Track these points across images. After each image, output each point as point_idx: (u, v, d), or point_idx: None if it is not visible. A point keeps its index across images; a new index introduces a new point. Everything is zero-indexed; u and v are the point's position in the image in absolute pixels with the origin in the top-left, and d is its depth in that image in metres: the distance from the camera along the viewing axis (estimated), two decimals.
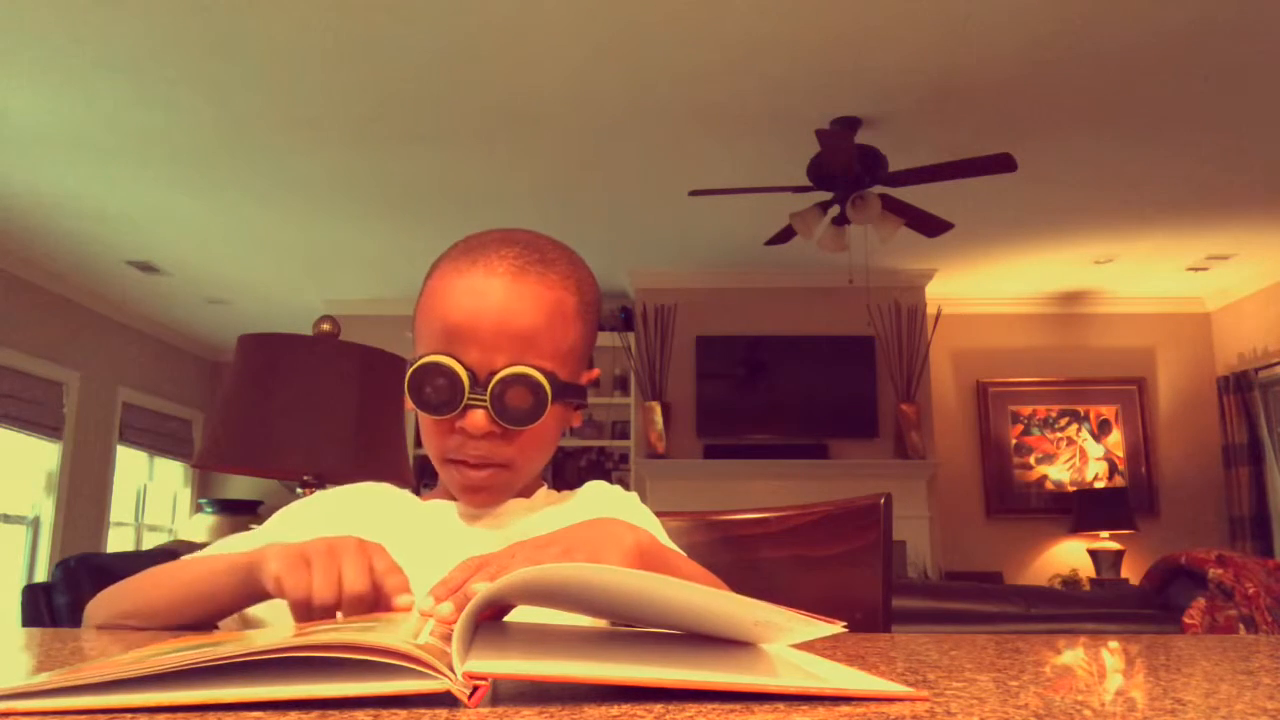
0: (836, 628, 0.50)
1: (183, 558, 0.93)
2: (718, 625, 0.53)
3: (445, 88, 3.83)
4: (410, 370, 0.88)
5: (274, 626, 0.81)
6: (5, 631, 1.49)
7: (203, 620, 0.84)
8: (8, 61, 3.60)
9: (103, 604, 0.90)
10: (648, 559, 0.70)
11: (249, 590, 0.77)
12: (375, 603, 0.71)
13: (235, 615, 0.87)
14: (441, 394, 0.87)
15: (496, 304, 0.87)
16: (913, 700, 0.44)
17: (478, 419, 0.87)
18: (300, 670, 0.43)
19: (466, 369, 0.87)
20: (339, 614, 0.70)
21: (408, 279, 6.11)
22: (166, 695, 0.40)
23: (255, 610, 0.85)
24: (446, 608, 0.56)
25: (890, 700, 0.44)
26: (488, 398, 0.86)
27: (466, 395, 0.86)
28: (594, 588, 0.51)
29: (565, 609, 0.60)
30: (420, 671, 0.42)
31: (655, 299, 6.20)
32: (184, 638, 0.67)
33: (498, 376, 0.86)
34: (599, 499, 1.01)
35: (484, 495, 0.93)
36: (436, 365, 0.87)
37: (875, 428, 6.02)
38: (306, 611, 0.70)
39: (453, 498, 0.97)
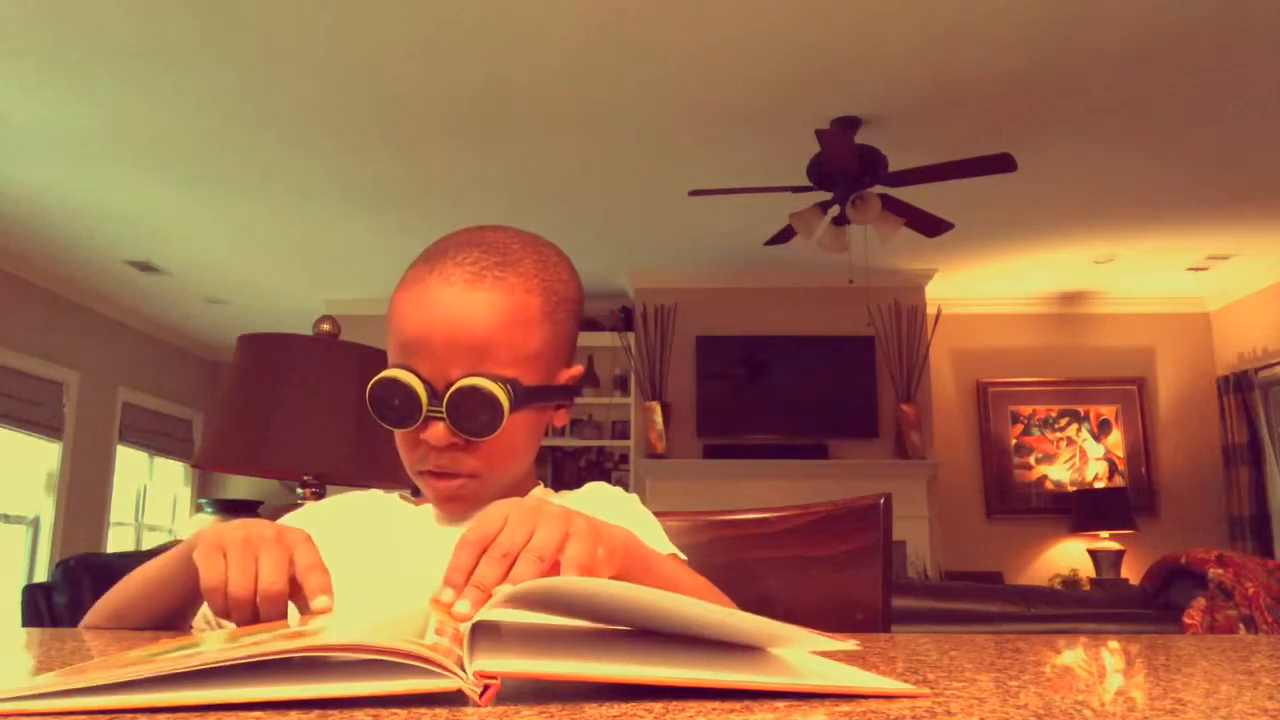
0: (849, 645, 0.50)
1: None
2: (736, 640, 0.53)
3: (445, 88, 3.83)
4: (369, 386, 0.88)
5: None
6: (5, 631, 1.49)
7: (168, 615, 0.84)
8: (8, 62, 3.60)
9: (94, 609, 0.91)
10: (630, 557, 0.71)
11: (192, 578, 0.76)
12: (293, 599, 0.70)
13: (207, 616, 0.87)
14: (401, 409, 0.87)
15: (448, 315, 0.86)
16: (913, 698, 0.44)
17: (437, 431, 0.87)
18: (301, 670, 0.43)
19: (424, 381, 0.86)
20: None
21: None
22: (168, 696, 0.40)
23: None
24: (464, 606, 0.56)
25: (891, 698, 0.44)
26: (444, 410, 0.86)
27: (425, 408, 0.86)
28: (617, 604, 0.51)
29: (579, 618, 0.60)
30: (431, 670, 0.42)
31: (655, 299, 6.20)
32: (185, 639, 0.66)
33: (452, 389, 0.85)
34: (598, 500, 1.01)
35: (456, 505, 0.93)
36: (393, 381, 0.87)
37: (875, 428, 6.02)
38: (221, 602, 0.69)
39: None
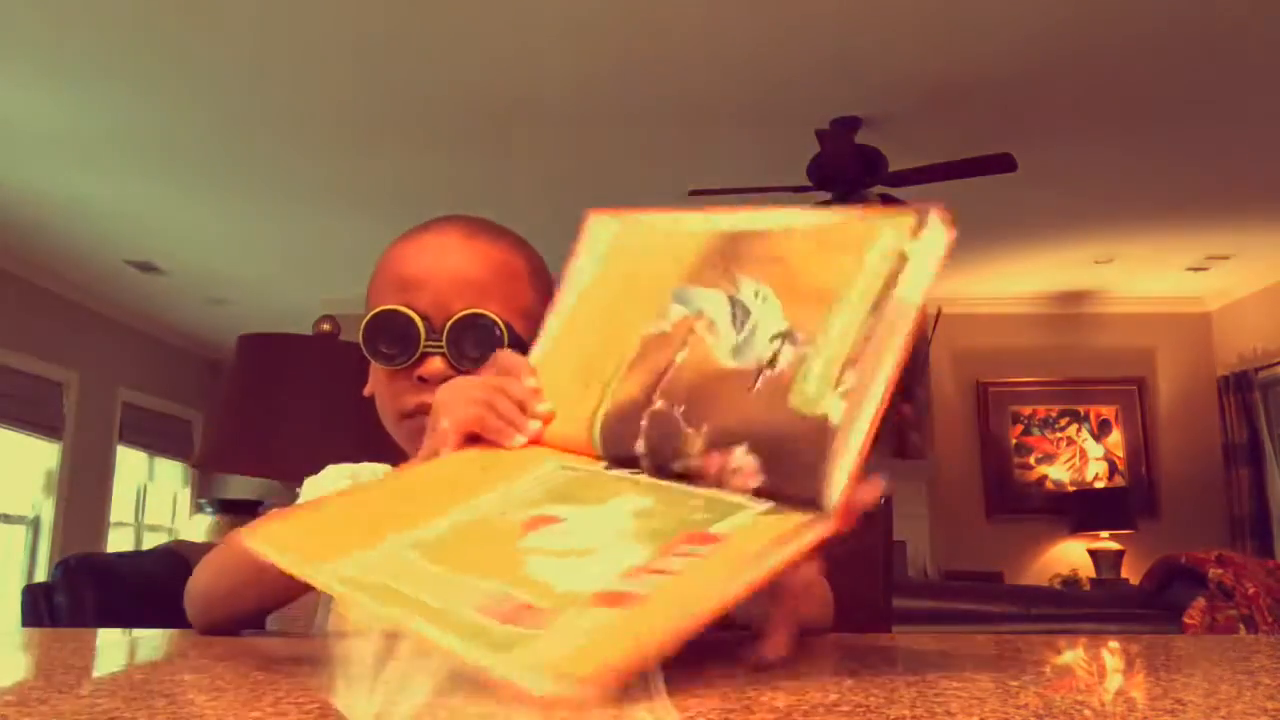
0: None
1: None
2: None
3: (444, 88, 3.83)
4: (364, 322, 0.87)
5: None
6: (5, 631, 1.49)
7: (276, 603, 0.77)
8: (8, 62, 3.60)
9: (219, 571, 0.79)
10: None
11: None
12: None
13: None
14: (396, 344, 0.87)
15: (450, 256, 0.89)
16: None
17: (435, 365, 0.86)
18: None
19: (422, 317, 0.87)
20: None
21: None
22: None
23: None
24: None
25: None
26: (444, 342, 0.86)
27: (422, 343, 0.86)
28: None
29: None
30: None
31: None
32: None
33: (454, 318, 0.86)
34: None
35: None
36: (392, 313, 0.87)
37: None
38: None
39: None
